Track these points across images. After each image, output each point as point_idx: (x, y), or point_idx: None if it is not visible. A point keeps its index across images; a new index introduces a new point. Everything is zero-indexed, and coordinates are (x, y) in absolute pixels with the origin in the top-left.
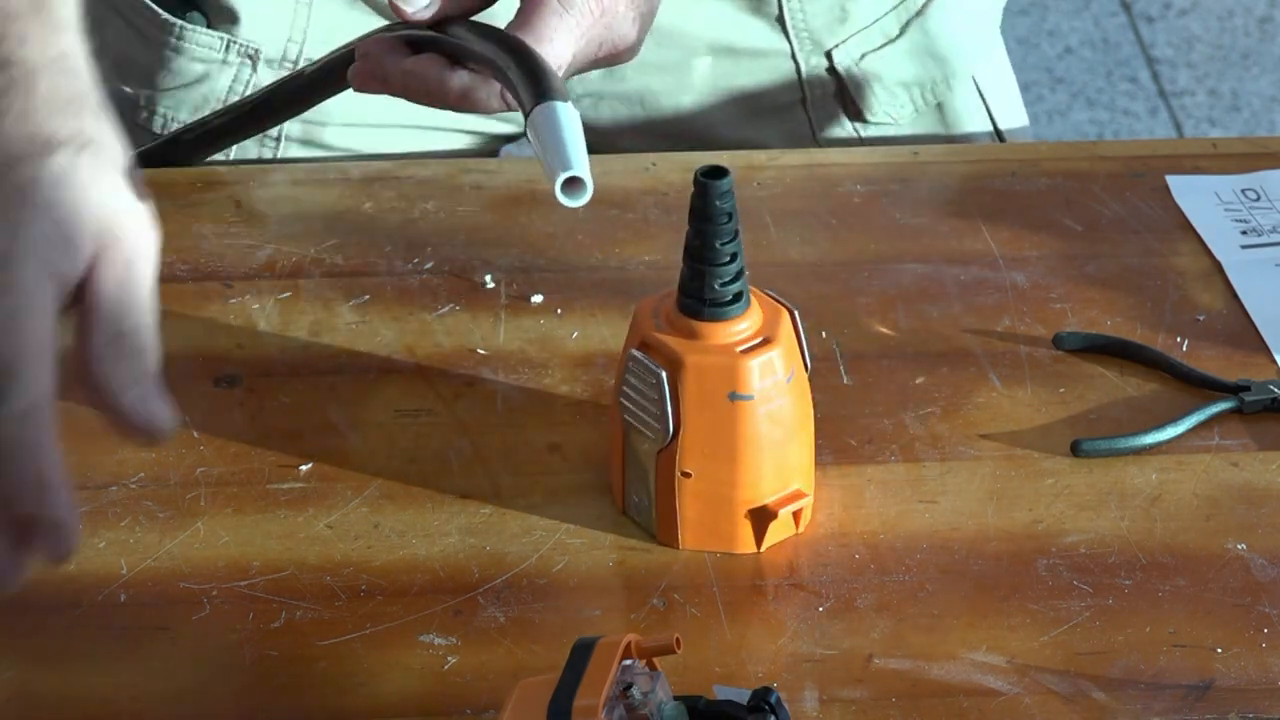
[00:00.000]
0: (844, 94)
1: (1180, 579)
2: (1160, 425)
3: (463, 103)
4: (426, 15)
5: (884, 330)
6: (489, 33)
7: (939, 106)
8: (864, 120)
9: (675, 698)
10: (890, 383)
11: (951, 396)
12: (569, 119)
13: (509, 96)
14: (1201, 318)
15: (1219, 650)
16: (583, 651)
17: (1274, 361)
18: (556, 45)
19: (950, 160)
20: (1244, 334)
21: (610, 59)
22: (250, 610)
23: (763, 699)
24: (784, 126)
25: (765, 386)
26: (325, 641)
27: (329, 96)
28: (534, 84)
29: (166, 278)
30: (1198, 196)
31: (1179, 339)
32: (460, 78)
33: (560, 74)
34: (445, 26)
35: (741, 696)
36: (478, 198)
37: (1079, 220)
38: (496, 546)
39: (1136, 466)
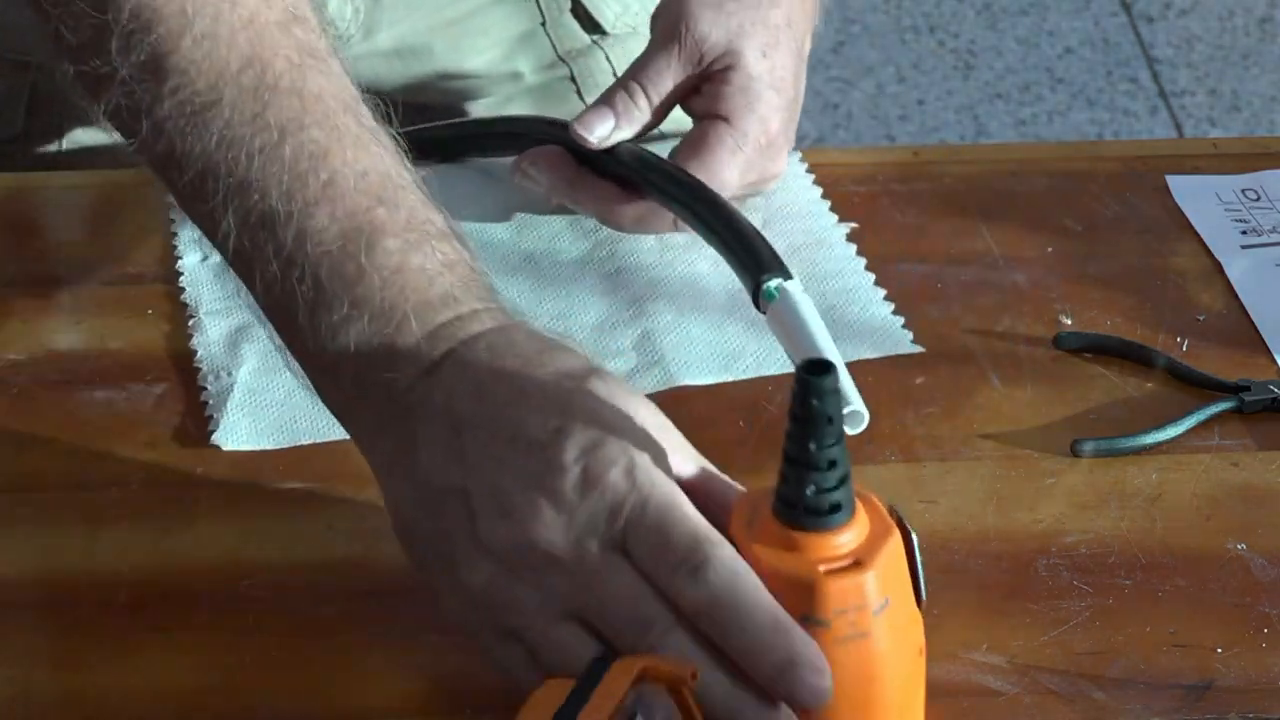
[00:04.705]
0: (579, 11)
1: (1180, 579)
2: (1160, 425)
3: (635, 228)
4: (605, 145)
5: None
6: (668, 171)
7: None
8: (603, 33)
9: None
10: (890, 383)
11: (951, 396)
12: (814, 317)
13: (680, 223)
14: (1201, 318)
15: (1219, 650)
16: (598, 667)
17: (1274, 361)
18: (725, 179)
19: (950, 160)
20: (1244, 334)
21: (753, 187)
22: (250, 610)
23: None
24: (530, 51)
25: (847, 614)
26: (325, 641)
27: (473, 154)
28: (748, 253)
29: (166, 278)
30: (1198, 196)
31: (1179, 339)
32: (635, 209)
33: None
34: (617, 149)
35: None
36: None
37: (1079, 220)
38: None
39: (1136, 466)
